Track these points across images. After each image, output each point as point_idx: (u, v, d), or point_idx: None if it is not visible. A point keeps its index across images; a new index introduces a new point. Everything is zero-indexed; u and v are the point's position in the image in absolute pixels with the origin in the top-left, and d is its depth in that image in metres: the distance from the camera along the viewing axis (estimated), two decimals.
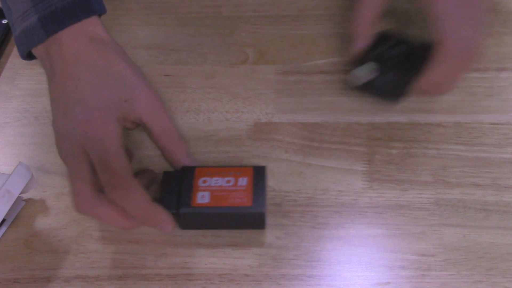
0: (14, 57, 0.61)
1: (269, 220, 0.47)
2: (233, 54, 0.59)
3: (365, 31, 0.54)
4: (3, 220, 0.48)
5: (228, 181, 0.46)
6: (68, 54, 0.47)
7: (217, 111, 0.55)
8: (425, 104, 0.54)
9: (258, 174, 0.47)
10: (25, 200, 0.50)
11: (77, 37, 0.47)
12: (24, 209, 0.50)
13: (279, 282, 0.45)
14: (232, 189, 0.46)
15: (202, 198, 0.46)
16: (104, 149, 0.44)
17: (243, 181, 0.46)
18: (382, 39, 0.54)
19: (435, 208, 0.47)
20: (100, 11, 0.49)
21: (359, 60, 0.53)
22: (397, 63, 0.52)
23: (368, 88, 0.53)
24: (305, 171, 0.50)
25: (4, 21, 0.63)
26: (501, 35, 0.58)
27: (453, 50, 0.48)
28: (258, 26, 0.61)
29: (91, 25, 0.48)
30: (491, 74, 0.55)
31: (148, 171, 0.50)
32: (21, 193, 0.48)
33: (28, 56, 0.50)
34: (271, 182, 0.50)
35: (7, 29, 0.62)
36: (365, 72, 0.51)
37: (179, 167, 0.49)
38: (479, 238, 0.46)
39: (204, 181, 0.47)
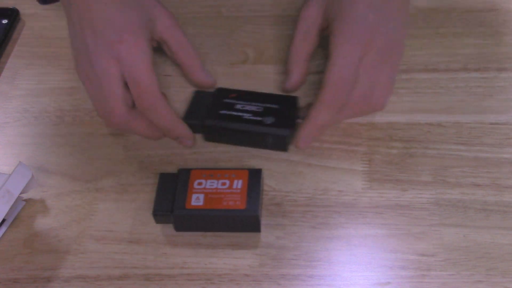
0: (14, 57, 0.61)
1: (269, 220, 0.47)
2: (233, 54, 0.59)
3: (302, 65, 0.54)
4: (3, 220, 0.48)
5: (223, 184, 0.46)
6: None
7: None
8: (425, 104, 0.54)
9: (254, 177, 0.47)
10: (25, 200, 0.50)
11: None
12: (24, 209, 0.50)
13: (279, 282, 0.45)
14: (227, 192, 0.46)
15: (196, 200, 0.46)
16: (137, 67, 0.47)
17: (238, 184, 0.46)
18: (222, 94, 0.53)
19: (435, 208, 0.47)
20: None
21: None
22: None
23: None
24: (305, 171, 0.50)
25: (4, 21, 0.63)
26: (501, 35, 0.58)
27: (358, 107, 0.49)
28: (258, 26, 0.61)
29: None
30: (491, 74, 0.55)
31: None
32: (21, 193, 0.48)
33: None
34: (271, 182, 0.50)
35: (7, 29, 0.62)
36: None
37: (198, 82, 0.55)
38: (479, 238, 0.46)
39: (199, 183, 0.47)
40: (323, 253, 0.46)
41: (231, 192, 0.46)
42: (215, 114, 0.51)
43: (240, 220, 0.46)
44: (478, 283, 0.44)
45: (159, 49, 0.58)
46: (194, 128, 0.52)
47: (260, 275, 0.45)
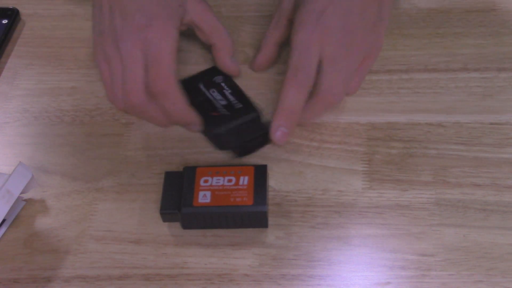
0: (14, 57, 0.61)
1: (269, 220, 0.47)
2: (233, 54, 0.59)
3: (270, 48, 0.56)
4: (3, 220, 0.48)
5: (229, 180, 0.47)
6: None
7: None
8: (425, 104, 0.54)
9: (259, 172, 0.47)
10: (25, 200, 0.50)
11: None
12: (24, 209, 0.50)
13: (279, 282, 0.45)
14: (234, 188, 0.46)
15: (203, 197, 0.46)
16: (160, 50, 0.48)
17: (244, 180, 0.46)
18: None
19: (435, 208, 0.47)
20: None
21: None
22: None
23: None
24: (305, 171, 0.50)
25: (4, 21, 0.63)
26: (501, 35, 0.58)
27: (325, 100, 0.51)
28: (258, 26, 0.61)
29: None
30: (491, 74, 0.55)
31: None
32: (21, 193, 0.48)
33: None
34: (271, 182, 0.50)
35: (7, 29, 0.62)
36: None
37: (222, 66, 0.55)
38: (479, 238, 0.46)
39: (206, 181, 0.47)
40: (323, 253, 0.46)
41: (237, 188, 0.46)
42: None
43: (248, 216, 0.46)
44: (478, 283, 0.44)
45: None
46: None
47: (260, 275, 0.45)
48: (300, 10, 0.51)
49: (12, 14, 0.63)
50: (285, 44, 0.56)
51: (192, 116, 0.51)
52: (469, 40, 0.58)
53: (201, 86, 0.54)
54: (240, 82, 0.56)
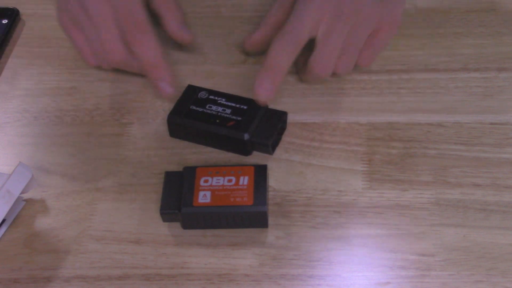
0: (14, 57, 0.61)
1: (269, 220, 0.47)
2: (233, 54, 0.59)
3: (269, 28, 0.55)
4: (3, 220, 0.48)
5: (229, 180, 0.47)
6: None
7: None
8: (425, 104, 0.54)
9: (259, 173, 0.47)
10: (25, 200, 0.50)
11: None
12: (24, 209, 0.50)
13: (279, 282, 0.45)
14: (234, 188, 0.46)
15: (203, 197, 0.46)
16: (128, 3, 0.50)
17: (244, 180, 0.47)
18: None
19: (435, 208, 0.47)
20: None
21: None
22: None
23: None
24: (305, 171, 0.50)
25: (4, 21, 0.62)
26: (501, 35, 0.58)
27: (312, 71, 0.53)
28: (258, 26, 0.61)
29: None
30: (491, 74, 0.56)
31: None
32: (21, 193, 0.48)
33: None
34: (271, 182, 0.50)
35: (7, 29, 0.62)
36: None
37: (173, 36, 0.56)
38: (479, 238, 0.46)
39: (205, 181, 0.47)
40: (323, 253, 0.46)
41: (237, 188, 0.46)
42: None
43: (248, 216, 0.46)
44: (478, 283, 0.44)
45: None
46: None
47: (260, 275, 0.45)
48: None
49: (12, 14, 0.63)
50: None
51: (163, 67, 0.52)
52: (469, 40, 0.58)
53: (195, 107, 0.52)
54: (239, 83, 0.56)
